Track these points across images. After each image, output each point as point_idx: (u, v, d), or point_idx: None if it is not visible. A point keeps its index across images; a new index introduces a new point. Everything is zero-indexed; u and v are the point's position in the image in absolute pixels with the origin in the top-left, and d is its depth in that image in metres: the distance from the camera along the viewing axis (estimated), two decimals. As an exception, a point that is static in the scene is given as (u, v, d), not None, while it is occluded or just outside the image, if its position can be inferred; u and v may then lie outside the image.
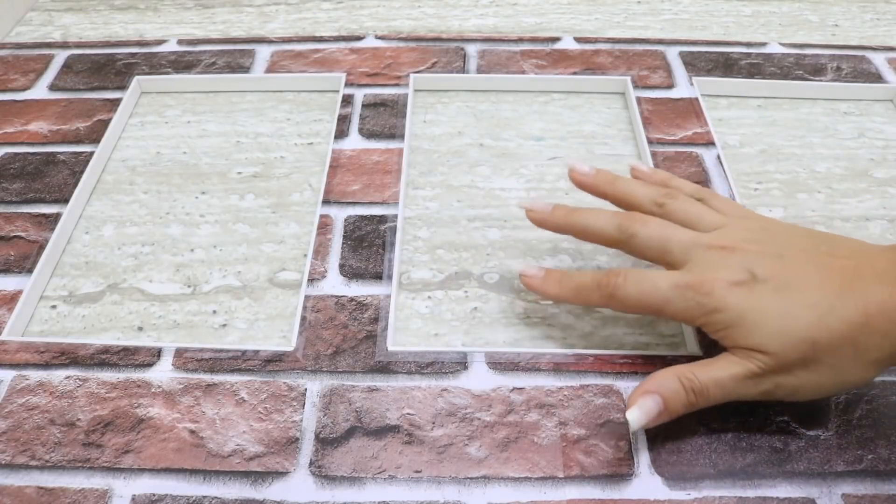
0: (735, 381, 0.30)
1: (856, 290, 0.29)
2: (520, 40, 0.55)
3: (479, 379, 0.35)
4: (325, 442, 0.32)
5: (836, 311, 0.28)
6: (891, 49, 0.54)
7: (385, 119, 0.48)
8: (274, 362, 0.35)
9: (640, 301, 0.32)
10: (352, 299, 0.38)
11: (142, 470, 0.32)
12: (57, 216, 0.42)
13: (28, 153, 0.46)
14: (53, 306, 0.39)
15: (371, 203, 0.43)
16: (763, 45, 0.55)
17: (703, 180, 0.44)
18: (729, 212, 0.35)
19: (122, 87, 0.51)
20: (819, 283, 0.30)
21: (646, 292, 0.31)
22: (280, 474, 0.31)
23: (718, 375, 0.30)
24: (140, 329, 0.38)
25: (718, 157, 0.45)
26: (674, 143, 0.46)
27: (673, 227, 0.33)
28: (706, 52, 0.53)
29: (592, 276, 0.33)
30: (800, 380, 0.29)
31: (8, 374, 0.35)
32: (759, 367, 0.29)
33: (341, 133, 0.47)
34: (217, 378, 0.35)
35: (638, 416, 0.30)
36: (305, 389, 0.34)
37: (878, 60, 0.53)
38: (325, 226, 0.41)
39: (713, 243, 0.32)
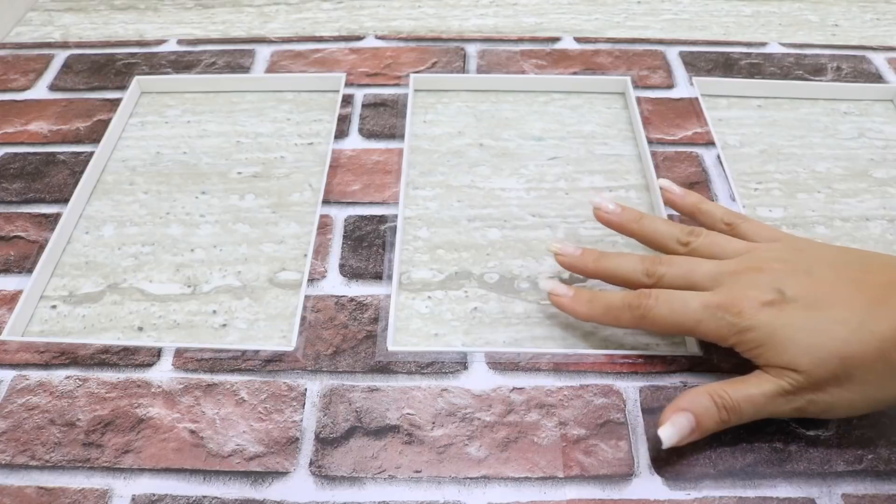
0: (767, 398, 0.30)
1: (887, 306, 0.29)
2: (520, 40, 0.55)
3: (479, 379, 0.35)
4: (325, 442, 0.32)
5: (867, 327, 0.28)
6: (891, 49, 0.54)
7: (385, 119, 0.48)
8: (274, 362, 0.35)
9: (671, 322, 0.32)
10: (352, 299, 0.38)
11: (142, 470, 0.32)
12: (57, 216, 0.42)
13: (28, 153, 0.46)
14: (53, 306, 0.39)
15: (371, 203, 0.43)
16: (763, 45, 0.55)
17: (703, 180, 0.44)
18: (758, 235, 0.35)
19: (122, 87, 0.51)
20: (849, 298, 0.29)
21: (677, 312, 0.32)
22: (280, 474, 0.31)
23: (751, 393, 0.30)
24: (140, 329, 0.38)
25: (718, 157, 0.45)
26: (674, 143, 0.46)
27: (698, 261, 0.33)
28: (706, 52, 0.53)
29: (623, 297, 0.33)
30: (833, 397, 0.29)
31: (8, 374, 0.35)
32: (791, 384, 0.29)
33: (341, 133, 0.47)
34: (217, 378, 0.35)
35: (671, 433, 0.30)
36: (305, 389, 0.34)
37: (878, 60, 0.53)
38: (325, 226, 0.41)
39: (739, 267, 0.32)
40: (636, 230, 0.37)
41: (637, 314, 0.33)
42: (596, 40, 0.55)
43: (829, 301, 0.30)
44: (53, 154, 0.46)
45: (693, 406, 0.30)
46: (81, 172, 0.45)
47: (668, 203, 0.39)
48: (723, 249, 0.34)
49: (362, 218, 0.42)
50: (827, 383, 0.29)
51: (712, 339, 0.32)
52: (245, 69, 0.52)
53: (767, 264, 0.32)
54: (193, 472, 0.32)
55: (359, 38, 0.55)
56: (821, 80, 0.51)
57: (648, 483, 0.31)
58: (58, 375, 0.35)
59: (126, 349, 0.36)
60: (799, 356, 0.29)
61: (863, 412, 0.31)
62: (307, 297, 0.38)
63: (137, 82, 0.51)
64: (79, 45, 0.55)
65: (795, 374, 0.29)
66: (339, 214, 0.42)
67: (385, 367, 0.35)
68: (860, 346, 0.28)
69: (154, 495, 0.31)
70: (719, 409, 0.30)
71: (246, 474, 0.31)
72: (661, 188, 0.39)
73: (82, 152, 0.46)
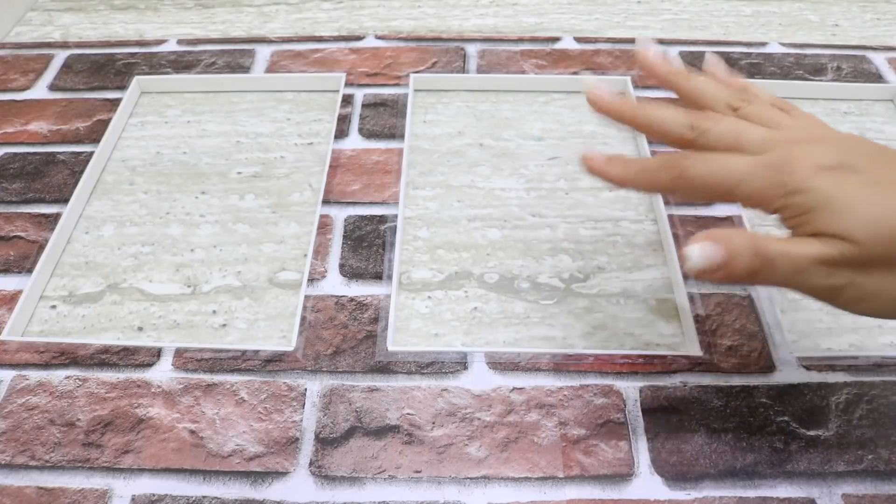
0: (808, 261, 0.26)
1: None
2: (520, 40, 0.55)
3: (479, 379, 0.35)
4: (325, 442, 0.32)
5: None
6: (891, 49, 0.54)
7: (385, 119, 0.48)
8: (274, 362, 0.35)
9: (709, 180, 0.29)
10: (352, 299, 0.38)
11: (142, 470, 0.32)
12: (57, 216, 0.42)
13: (28, 153, 0.46)
14: (53, 306, 0.39)
15: (371, 203, 0.43)
16: (763, 45, 0.55)
17: (703, 180, 0.44)
18: (812, 125, 0.31)
19: (122, 87, 0.51)
20: None
21: (717, 171, 0.29)
22: (280, 474, 0.31)
23: (792, 251, 0.27)
24: (140, 329, 0.38)
25: (718, 157, 0.45)
26: (674, 143, 0.46)
27: (747, 124, 0.30)
28: (706, 52, 0.53)
29: (660, 157, 0.30)
30: (876, 284, 0.26)
31: (8, 374, 0.35)
32: (841, 254, 0.26)
33: (341, 133, 0.47)
34: (217, 378, 0.35)
35: (698, 256, 0.27)
36: (305, 389, 0.34)
37: (878, 60, 0.53)
38: (325, 226, 0.41)
39: (795, 136, 0.29)
40: (682, 85, 0.33)
41: (673, 173, 0.29)
42: (596, 40, 0.55)
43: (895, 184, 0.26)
44: (53, 154, 0.46)
45: (730, 242, 0.27)
46: (81, 172, 0.45)
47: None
48: (776, 123, 0.30)
49: (362, 218, 0.42)
50: (878, 265, 0.26)
51: (754, 202, 0.28)
52: (245, 69, 0.52)
53: (828, 139, 0.28)
54: (193, 472, 0.32)
55: (359, 38, 0.55)
56: (821, 80, 0.51)
57: (648, 483, 0.31)
58: (58, 375, 0.35)
59: (126, 349, 0.36)
60: (859, 225, 0.26)
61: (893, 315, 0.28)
62: (307, 297, 0.38)
63: (137, 82, 0.51)
64: (79, 45, 0.55)
65: (848, 245, 0.26)
66: (339, 214, 0.42)
67: (385, 367, 0.35)
68: None
69: (154, 495, 0.31)
70: (753, 257, 0.27)
71: (246, 474, 0.31)
72: (706, 62, 0.35)
73: (82, 152, 0.46)
